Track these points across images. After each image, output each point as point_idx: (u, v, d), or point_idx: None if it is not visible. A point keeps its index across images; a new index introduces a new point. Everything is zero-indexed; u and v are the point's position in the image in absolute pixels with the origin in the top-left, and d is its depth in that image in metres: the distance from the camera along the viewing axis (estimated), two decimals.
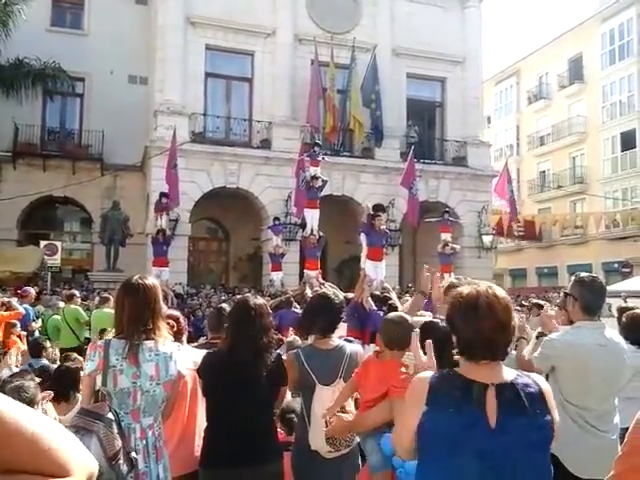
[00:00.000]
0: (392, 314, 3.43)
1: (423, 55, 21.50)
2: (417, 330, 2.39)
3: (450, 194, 21.34)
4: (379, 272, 10.82)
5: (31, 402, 2.84)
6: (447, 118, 22.42)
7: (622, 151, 29.92)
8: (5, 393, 2.67)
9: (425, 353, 2.14)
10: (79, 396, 3.82)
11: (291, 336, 5.32)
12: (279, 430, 3.56)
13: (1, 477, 0.78)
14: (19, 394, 2.81)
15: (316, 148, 14.87)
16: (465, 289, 1.91)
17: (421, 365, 2.11)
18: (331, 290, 4.10)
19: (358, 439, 3.25)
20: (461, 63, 22.24)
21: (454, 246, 16.00)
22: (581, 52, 32.36)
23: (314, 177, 14.37)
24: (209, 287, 17.76)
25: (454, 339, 1.90)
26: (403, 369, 2.47)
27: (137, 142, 19.44)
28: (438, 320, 2.84)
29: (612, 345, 3.32)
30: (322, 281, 8.92)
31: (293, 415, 3.70)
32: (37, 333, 9.61)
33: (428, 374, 1.93)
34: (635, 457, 1.25)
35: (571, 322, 3.47)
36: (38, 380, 3.24)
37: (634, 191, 29.35)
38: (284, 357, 3.33)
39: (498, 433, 1.78)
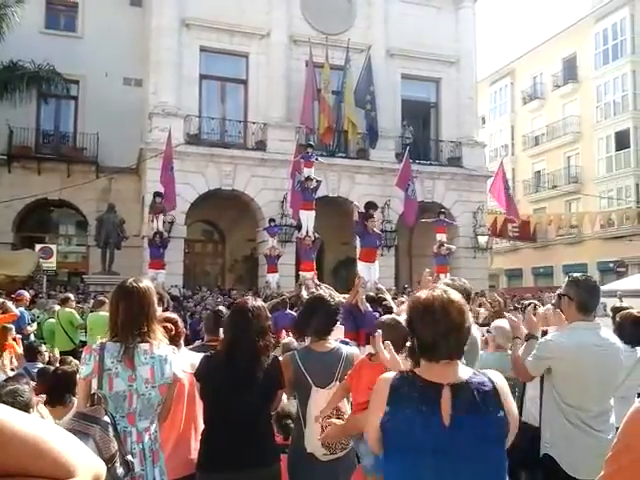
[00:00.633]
0: (386, 317, 3.45)
1: (417, 56, 21.55)
2: (379, 331, 2.53)
3: (445, 195, 21.38)
4: (372, 273, 10.84)
5: (26, 406, 2.83)
6: (442, 119, 22.46)
7: (616, 150, 30.02)
8: (0, 397, 2.68)
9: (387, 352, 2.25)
10: (75, 400, 3.81)
11: (287, 338, 5.32)
12: (276, 434, 3.55)
13: None
14: (14, 398, 2.81)
15: (309, 149, 14.89)
16: (422, 294, 2.02)
17: (386, 364, 2.23)
18: (327, 292, 4.10)
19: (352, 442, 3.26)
20: (455, 64, 22.29)
21: (450, 247, 16.03)
22: (575, 52, 32.48)
23: (308, 178, 14.38)
24: (205, 289, 17.75)
25: (415, 341, 2.01)
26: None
27: (132, 144, 19.40)
28: None
29: (608, 345, 3.33)
30: (318, 283, 8.94)
31: (290, 421, 3.70)
32: (32, 337, 9.59)
33: (391, 375, 2.04)
34: (623, 456, 1.26)
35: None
36: (37, 382, 3.23)
37: (629, 190, 29.43)
38: (280, 359, 3.33)
39: (452, 431, 1.88)
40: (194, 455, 3.28)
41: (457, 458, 1.89)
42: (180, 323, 3.87)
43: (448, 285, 3.74)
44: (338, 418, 3.10)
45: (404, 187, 17.61)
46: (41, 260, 16.46)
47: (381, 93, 20.46)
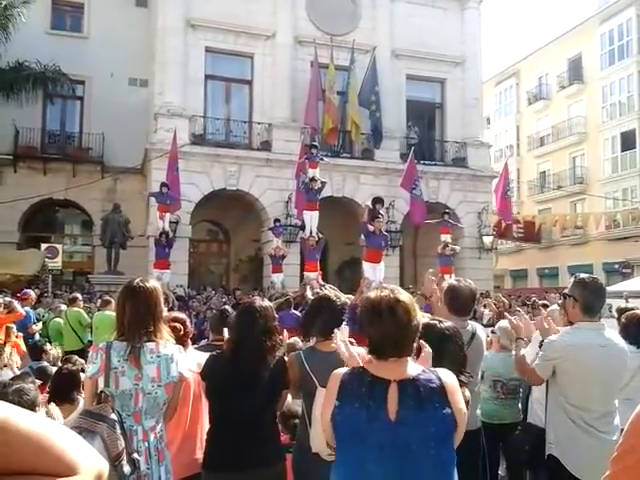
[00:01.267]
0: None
1: (423, 56, 21.50)
2: (342, 327, 2.69)
3: (450, 195, 21.34)
4: (377, 274, 10.85)
5: (33, 404, 2.85)
6: (447, 119, 22.41)
7: (622, 151, 29.93)
8: (7, 396, 2.70)
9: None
10: (81, 398, 3.83)
11: (291, 338, 5.32)
12: (282, 434, 3.56)
13: (7, 479, 0.79)
14: (20, 397, 2.83)
15: (314, 150, 14.87)
16: (371, 294, 2.11)
17: (344, 360, 2.35)
18: (332, 292, 4.10)
19: None
20: (461, 64, 22.24)
21: (454, 247, 15.97)
22: (580, 52, 32.38)
23: (312, 179, 14.37)
24: (210, 289, 17.78)
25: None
26: None
27: (137, 145, 19.44)
28: (436, 321, 2.87)
29: (612, 346, 3.33)
30: (322, 283, 8.94)
31: (296, 420, 3.70)
32: (37, 336, 9.62)
33: (343, 370, 2.13)
34: (628, 456, 1.27)
35: (571, 323, 3.47)
36: (39, 382, 3.25)
37: (634, 191, 29.34)
38: (285, 359, 3.34)
39: (397, 426, 1.94)
40: (199, 454, 3.30)
41: (402, 453, 1.93)
42: (188, 323, 3.89)
43: (454, 285, 3.76)
44: None
45: (409, 187, 17.58)
46: (47, 260, 16.49)
47: (386, 94, 20.43)
